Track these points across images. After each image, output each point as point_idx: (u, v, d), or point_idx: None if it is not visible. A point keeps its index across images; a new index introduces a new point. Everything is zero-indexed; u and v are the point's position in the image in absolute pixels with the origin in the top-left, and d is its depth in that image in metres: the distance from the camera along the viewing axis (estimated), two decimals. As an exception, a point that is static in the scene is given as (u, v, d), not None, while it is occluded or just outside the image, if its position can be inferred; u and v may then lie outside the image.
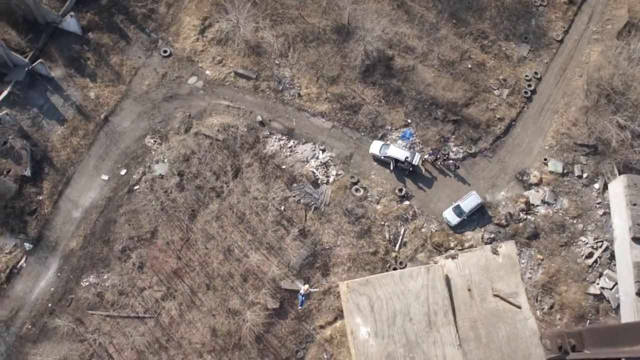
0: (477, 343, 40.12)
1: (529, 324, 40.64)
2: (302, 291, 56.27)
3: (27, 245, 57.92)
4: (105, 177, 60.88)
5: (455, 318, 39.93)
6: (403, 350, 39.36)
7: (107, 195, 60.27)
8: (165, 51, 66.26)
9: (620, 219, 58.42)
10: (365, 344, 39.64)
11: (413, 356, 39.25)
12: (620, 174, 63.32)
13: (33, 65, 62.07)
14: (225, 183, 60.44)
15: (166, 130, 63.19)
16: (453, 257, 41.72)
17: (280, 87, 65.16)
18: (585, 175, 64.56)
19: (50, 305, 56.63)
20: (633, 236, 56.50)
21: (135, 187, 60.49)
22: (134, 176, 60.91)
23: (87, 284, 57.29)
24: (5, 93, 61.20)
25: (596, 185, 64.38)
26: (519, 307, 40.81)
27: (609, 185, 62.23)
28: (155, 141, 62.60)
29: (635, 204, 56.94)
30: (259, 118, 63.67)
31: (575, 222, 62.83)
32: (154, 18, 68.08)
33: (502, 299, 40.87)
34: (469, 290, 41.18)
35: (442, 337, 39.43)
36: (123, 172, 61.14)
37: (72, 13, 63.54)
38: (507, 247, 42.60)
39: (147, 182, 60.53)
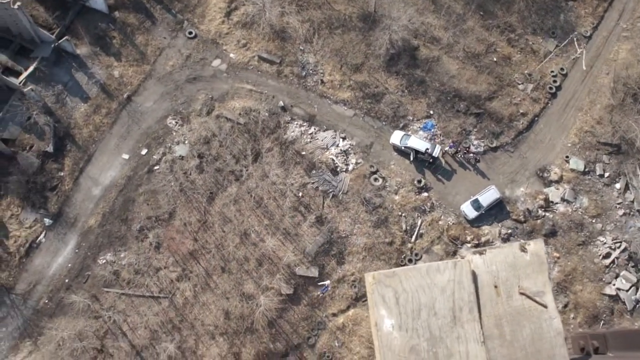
0: (502, 341, 39.77)
1: (554, 323, 40.14)
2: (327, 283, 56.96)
3: (47, 221, 58.65)
4: (125, 156, 61.31)
5: (480, 314, 39.63)
6: (427, 344, 39.14)
7: (127, 174, 60.74)
8: (190, 32, 66.28)
9: None
10: (389, 336, 39.47)
11: (436, 351, 39.05)
12: (642, 175, 62.82)
13: (59, 42, 62.46)
14: (245, 167, 60.60)
15: (188, 111, 63.38)
16: (481, 253, 41.31)
17: (304, 73, 64.99)
18: (607, 174, 63.90)
19: (67, 281, 57.43)
20: None
21: (155, 168, 60.87)
22: (154, 156, 61.27)
23: (104, 261, 57.95)
24: (31, 69, 61.67)
25: (617, 185, 63.72)
26: (545, 306, 40.28)
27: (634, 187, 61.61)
28: (176, 122, 62.84)
29: None
30: (281, 103, 63.62)
31: (594, 221, 62.32)
32: (180, -1, 68.06)
33: (528, 297, 40.39)
34: (496, 287, 40.68)
35: (466, 333, 39.13)
36: (144, 152, 61.53)
37: (100, -9, 63.82)
38: (536, 245, 42.05)
39: (167, 162, 60.87)
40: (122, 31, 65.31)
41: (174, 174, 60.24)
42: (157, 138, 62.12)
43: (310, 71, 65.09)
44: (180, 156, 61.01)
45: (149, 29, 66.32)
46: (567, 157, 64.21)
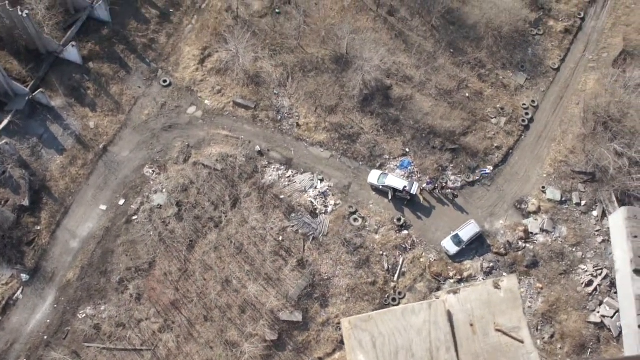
0: (481, 378, 39.78)
1: (531, 358, 40.23)
2: None
3: (24, 276, 57.59)
4: (103, 207, 60.80)
5: (457, 354, 39.50)
6: (406, 386, 39.00)
7: (105, 225, 60.12)
8: (165, 81, 66.63)
9: (622, 251, 58.33)
10: (368, 380, 39.24)
11: (415, 392, 38.88)
12: (618, 201, 63.46)
13: (34, 94, 62.34)
14: (224, 213, 60.36)
15: (165, 160, 63.26)
16: (455, 292, 41.40)
17: (279, 117, 65.43)
18: (583, 202, 64.58)
19: (46, 337, 56.11)
20: (634, 268, 56.36)
21: (134, 218, 60.36)
22: (132, 206, 60.81)
23: (84, 315, 56.86)
24: (5, 122, 61.37)
25: (595, 213, 64.37)
26: (521, 341, 40.32)
27: (610, 217, 62.22)
28: (153, 171, 62.64)
29: (636, 236, 56.84)
30: (258, 148, 63.83)
31: (574, 250, 62.71)
32: (154, 48, 68.47)
33: (504, 333, 40.47)
34: (471, 325, 40.68)
35: (445, 373, 39.11)
36: (121, 202, 61.08)
37: (73, 43, 63.94)
38: (509, 282, 42.29)
39: (146, 212, 60.38)
40: (97, 82, 65.46)
41: (153, 223, 59.73)
42: (135, 187, 61.76)
43: (286, 115, 65.55)
44: (158, 205, 60.60)
45: (124, 78, 66.55)
46: (543, 187, 64.92)
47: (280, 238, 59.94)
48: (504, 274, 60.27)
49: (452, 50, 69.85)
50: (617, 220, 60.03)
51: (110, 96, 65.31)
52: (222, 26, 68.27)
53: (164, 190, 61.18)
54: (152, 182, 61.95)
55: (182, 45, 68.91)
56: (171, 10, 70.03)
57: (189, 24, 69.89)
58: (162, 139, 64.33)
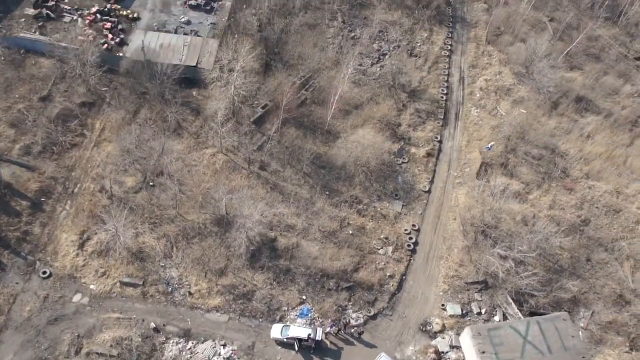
0: None
1: None
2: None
3: None
4: None
5: None
6: None
7: None
8: (44, 272, 63.76)
9: None
10: None
11: None
12: (515, 301, 65.80)
13: None
14: (126, 404, 56.51)
15: (55, 356, 59.07)
16: None
17: (170, 289, 63.87)
18: (484, 310, 66.42)
19: None
20: None
21: None
22: (22, 419, 55.62)
23: None
24: None
25: (497, 318, 66.15)
26: None
27: (460, 338, 64.23)
28: (43, 374, 58.25)
29: (484, 352, 59.33)
30: (153, 325, 61.38)
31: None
32: (29, 240, 66.00)
33: None
34: None
35: None
36: (9, 416, 55.79)
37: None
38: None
39: (38, 422, 55.32)
40: (-31, 289, 61.63)
41: None
42: (24, 397, 56.89)
43: (176, 285, 64.14)
44: (52, 411, 55.86)
45: (-1, 277, 63.23)
46: (443, 305, 66.41)
47: (190, 418, 56.56)
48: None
49: (327, 193, 72.61)
50: (465, 339, 62.55)
51: (-16, 300, 61.44)
52: (97, 207, 67.47)
53: (57, 394, 56.70)
54: (43, 387, 57.40)
55: (58, 233, 66.95)
56: (43, 199, 68.57)
57: (63, 211, 68.48)
58: (49, 334, 60.37)
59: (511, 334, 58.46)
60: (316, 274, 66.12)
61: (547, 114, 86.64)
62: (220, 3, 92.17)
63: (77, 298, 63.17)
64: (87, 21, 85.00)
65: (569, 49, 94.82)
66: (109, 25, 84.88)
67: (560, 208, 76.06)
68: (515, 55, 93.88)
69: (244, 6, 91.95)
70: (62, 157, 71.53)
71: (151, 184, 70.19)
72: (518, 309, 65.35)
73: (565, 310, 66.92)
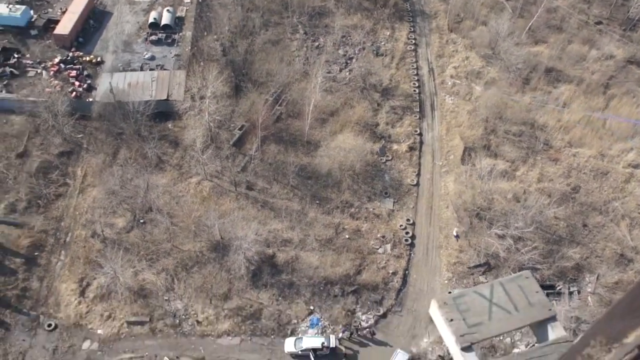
0: None
1: None
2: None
3: None
4: None
5: None
6: None
7: None
8: (49, 325, 63.06)
9: (446, 337, 60.37)
10: None
11: None
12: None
13: None
14: None
15: (73, 408, 58.56)
16: None
17: (177, 321, 63.40)
18: (490, 292, 66.41)
19: None
20: (461, 347, 58.27)
21: None
22: None
23: None
24: None
25: (504, 298, 66.19)
26: None
27: (429, 311, 64.34)
28: None
29: (452, 319, 59.70)
30: (166, 359, 60.91)
31: (502, 338, 63.51)
32: (28, 296, 65.32)
33: None
34: None
35: None
36: None
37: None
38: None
39: None
40: (-26, 355, 60.87)
41: None
42: None
43: (183, 316, 63.68)
44: None
45: (4, 337, 62.13)
46: (450, 292, 66.37)
47: None
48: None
49: (317, 202, 72.65)
50: (433, 311, 62.58)
51: (-6, 367, 60.71)
52: (92, 253, 67.01)
53: None
54: None
55: (57, 284, 66.33)
56: (36, 254, 67.96)
57: (58, 261, 67.93)
58: (63, 386, 59.88)
59: (476, 299, 58.44)
60: (319, 282, 65.95)
61: (519, 90, 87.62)
62: (180, 34, 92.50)
63: (86, 345, 62.52)
64: (52, 72, 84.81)
65: (530, 24, 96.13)
66: (73, 72, 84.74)
67: (549, 179, 76.72)
68: (479, 39, 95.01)
69: (205, 33, 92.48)
70: (49, 209, 71.08)
71: (141, 221, 69.88)
72: (524, 284, 65.63)
73: (571, 278, 67.49)
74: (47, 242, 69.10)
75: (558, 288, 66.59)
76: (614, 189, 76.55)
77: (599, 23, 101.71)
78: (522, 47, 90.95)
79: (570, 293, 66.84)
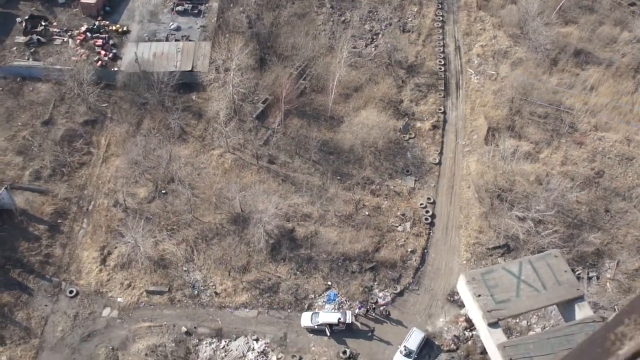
0: None
1: None
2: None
3: None
4: None
5: None
6: None
7: None
8: (71, 291, 64.33)
9: (474, 311, 60.22)
10: None
11: None
12: (538, 261, 65.78)
13: None
14: (167, 410, 57.03)
15: (93, 373, 59.86)
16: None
17: (196, 292, 64.28)
18: (508, 274, 66.22)
19: None
20: (488, 323, 58.19)
21: None
22: None
23: None
24: None
25: (522, 280, 66.02)
26: None
27: (457, 287, 64.25)
28: (82, 392, 58.86)
29: (479, 295, 59.42)
30: (184, 329, 61.86)
31: (517, 320, 63.48)
32: (51, 262, 66.56)
33: None
34: None
35: None
36: None
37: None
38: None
39: None
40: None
41: None
42: (66, 416, 57.51)
43: (201, 287, 64.52)
44: None
45: (27, 302, 63.64)
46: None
47: (233, 415, 57.05)
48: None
49: (339, 177, 72.63)
50: (461, 286, 62.34)
51: (17, 324, 61.84)
52: (114, 222, 67.94)
53: (99, 408, 57.32)
54: (83, 405, 58.02)
55: (79, 252, 67.47)
56: (59, 221, 69.08)
57: (81, 229, 69.00)
58: (83, 350, 60.91)
59: (505, 275, 58.29)
60: (338, 258, 66.25)
61: (547, 72, 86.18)
62: (207, 5, 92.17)
63: (106, 312, 63.75)
64: (78, 41, 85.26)
65: (561, 4, 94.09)
66: (99, 42, 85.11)
67: (573, 163, 75.79)
68: (508, 17, 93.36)
69: (231, 5, 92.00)
70: (72, 177, 72.01)
71: (163, 191, 70.56)
72: (543, 268, 65.35)
73: (591, 264, 66.97)
74: (70, 210, 70.10)
75: (577, 273, 66.17)
76: (638, 175, 75.43)
77: (633, 4, 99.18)
78: (552, 27, 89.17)
79: (589, 278, 66.50)
